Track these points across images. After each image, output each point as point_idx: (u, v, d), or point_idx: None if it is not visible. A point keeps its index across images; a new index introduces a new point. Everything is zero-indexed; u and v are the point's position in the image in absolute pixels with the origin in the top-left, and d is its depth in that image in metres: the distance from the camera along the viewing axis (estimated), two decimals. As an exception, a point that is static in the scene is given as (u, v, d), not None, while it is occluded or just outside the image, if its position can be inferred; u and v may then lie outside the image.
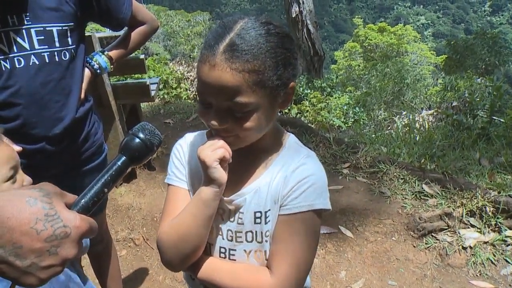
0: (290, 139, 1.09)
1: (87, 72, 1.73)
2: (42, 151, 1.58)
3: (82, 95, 1.68)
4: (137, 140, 0.83)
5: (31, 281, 0.60)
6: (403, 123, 6.32)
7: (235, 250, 1.06)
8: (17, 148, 1.28)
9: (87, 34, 2.62)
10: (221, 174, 0.96)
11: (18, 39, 1.45)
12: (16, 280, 0.61)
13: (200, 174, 1.01)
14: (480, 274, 2.51)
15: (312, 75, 9.64)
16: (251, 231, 1.04)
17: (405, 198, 3.08)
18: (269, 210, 1.01)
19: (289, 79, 0.95)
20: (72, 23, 1.56)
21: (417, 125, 5.92)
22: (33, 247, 0.58)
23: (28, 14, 1.45)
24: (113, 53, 1.82)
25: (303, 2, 9.98)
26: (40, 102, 1.53)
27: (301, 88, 7.83)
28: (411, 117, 6.01)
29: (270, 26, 0.92)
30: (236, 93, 0.88)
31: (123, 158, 0.81)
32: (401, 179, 3.29)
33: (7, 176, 1.12)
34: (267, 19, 0.95)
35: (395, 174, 3.35)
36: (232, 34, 0.89)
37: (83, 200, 0.72)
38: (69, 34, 1.55)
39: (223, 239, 1.06)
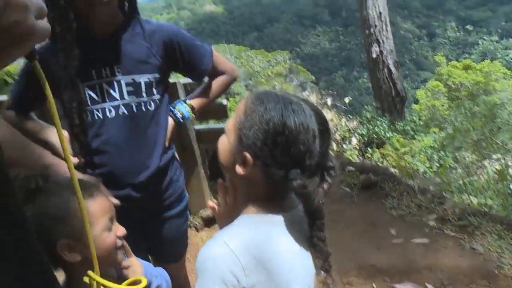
0: None
1: (170, 121, 1.76)
2: (127, 197, 1.62)
3: (167, 144, 1.73)
4: None
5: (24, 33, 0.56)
6: (494, 169, 5.86)
7: None
8: (115, 201, 1.36)
9: (172, 80, 2.75)
10: None
11: (110, 90, 1.54)
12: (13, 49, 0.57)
13: None
14: None
15: (393, 116, 9.35)
16: None
17: (502, 257, 2.81)
18: None
19: (242, 146, 1.01)
20: (158, 75, 1.63)
21: (510, 171, 5.46)
22: None
23: (119, 66, 1.54)
24: (195, 102, 1.84)
25: (383, 41, 9.84)
26: (128, 150, 1.59)
27: (383, 131, 7.60)
28: (503, 162, 5.55)
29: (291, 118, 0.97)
30: None
31: None
32: (496, 234, 3.02)
33: (107, 226, 1.19)
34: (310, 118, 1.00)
35: (487, 228, 3.08)
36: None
37: None
38: (155, 85, 1.62)
39: None
